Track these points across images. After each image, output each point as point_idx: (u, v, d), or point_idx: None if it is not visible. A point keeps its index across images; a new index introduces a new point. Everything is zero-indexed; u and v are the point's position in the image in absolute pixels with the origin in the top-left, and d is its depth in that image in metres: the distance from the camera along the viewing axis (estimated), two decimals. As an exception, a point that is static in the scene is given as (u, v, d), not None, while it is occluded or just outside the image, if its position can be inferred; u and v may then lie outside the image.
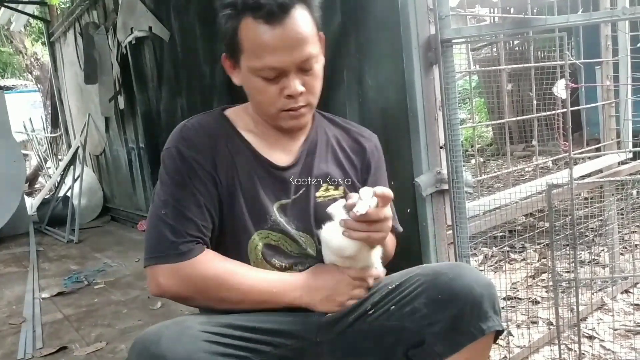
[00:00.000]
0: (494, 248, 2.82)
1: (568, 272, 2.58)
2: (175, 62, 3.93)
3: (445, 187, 1.64)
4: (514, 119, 1.86)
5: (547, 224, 1.76)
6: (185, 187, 1.05)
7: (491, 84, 5.06)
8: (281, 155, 1.16)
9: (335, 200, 1.13)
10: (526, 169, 4.19)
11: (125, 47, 4.53)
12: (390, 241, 1.26)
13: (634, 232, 2.99)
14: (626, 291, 2.32)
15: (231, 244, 1.11)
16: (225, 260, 1.06)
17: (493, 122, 4.65)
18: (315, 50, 1.07)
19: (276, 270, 1.11)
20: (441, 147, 1.65)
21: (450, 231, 1.65)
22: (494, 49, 5.70)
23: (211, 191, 1.07)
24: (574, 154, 1.69)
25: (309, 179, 1.16)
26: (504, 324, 1.29)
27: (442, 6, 1.55)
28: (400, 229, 1.32)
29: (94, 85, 5.19)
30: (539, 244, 2.65)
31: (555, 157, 2.41)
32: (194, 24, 3.51)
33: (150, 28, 4.03)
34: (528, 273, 2.56)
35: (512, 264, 2.76)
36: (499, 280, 2.04)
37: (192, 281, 1.02)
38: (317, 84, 1.11)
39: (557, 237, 1.89)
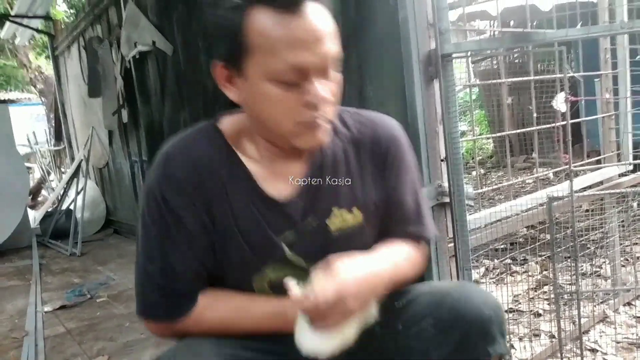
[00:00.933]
0: (495, 260, 2.82)
1: (570, 284, 2.58)
2: (178, 76, 3.97)
3: (447, 200, 1.65)
4: (514, 131, 1.88)
5: (548, 236, 1.76)
6: (172, 240, 0.93)
7: (491, 97, 5.10)
8: (284, 186, 0.98)
9: (354, 229, 1.01)
10: (527, 181, 4.19)
11: (129, 61, 4.57)
12: (407, 264, 1.04)
13: (635, 244, 2.99)
14: (628, 303, 2.31)
15: (233, 283, 0.99)
16: (224, 303, 0.97)
17: (493, 134, 4.68)
18: (339, 51, 0.91)
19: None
20: (442, 160, 1.67)
21: (452, 244, 1.66)
22: (494, 62, 5.74)
23: (201, 238, 0.95)
24: (574, 166, 1.70)
25: (318, 212, 0.99)
26: (507, 337, 1.27)
27: (442, 21, 1.57)
28: (428, 234, 1.10)
29: (98, 98, 5.23)
30: (540, 256, 2.65)
31: (555, 169, 2.42)
32: (197, 38, 3.55)
33: (153, 42, 4.07)
34: (530, 285, 2.56)
35: (513, 277, 2.76)
36: (500, 292, 2.04)
37: (188, 334, 0.96)
38: (339, 94, 0.94)
39: (559, 250, 1.90)
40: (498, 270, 2.87)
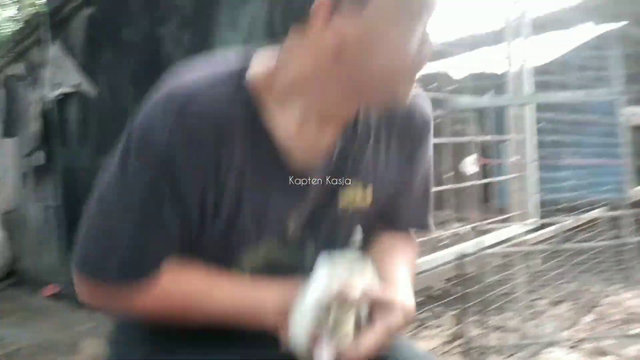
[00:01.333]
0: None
1: (481, 337, 2.66)
2: (101, 119, 3.86)
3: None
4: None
5: (463, 288, 1.83)
6: (159, 210, 0.75)
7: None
8: (310, 157, 0.81)
9: (360, 212, 0.86)
10: (442, 236, 4.36)
11: (50, 101, 4.41)
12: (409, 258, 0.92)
13: (541, 298, 3.16)
14: (535, 354, 2.41)
15: (216, 258, 0.81)
16: (194, 275, 0.80)
17: None
18: None
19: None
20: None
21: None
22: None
23: (192, 210, 0.76)
24: (484, 224, 1.80)
25: (337, 187, 0.84)
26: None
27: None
28: (432, 226, 0.98)
29: (12, 138, 4.98)
30: (455, 309, 2.73)
31: (466, 226, 2.55)
32: (122, 81, 3.49)
33: (77, 84, 3.97)
34: (443, 340, 2.61)
35: (427, 331, 2.80)
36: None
37: (131, 308, 0.79)
38: None
39: (469, 304, 1.97)
40: (413, 325, 2.92)
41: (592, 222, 3.11)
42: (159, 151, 0.73)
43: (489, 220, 2.08)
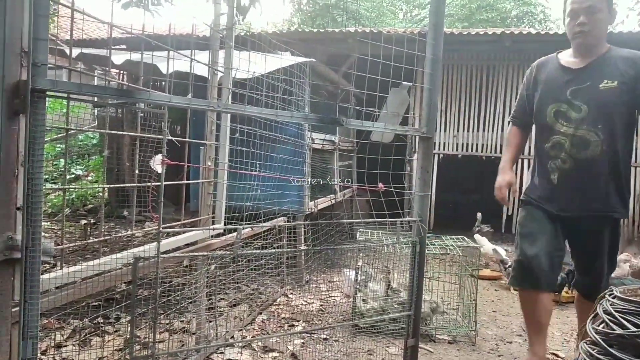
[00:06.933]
0: (85, 320, 2.62)
1: (160, 342, 2.60)
2: None
3: (18, 255, 1.41)
4: (109, 186, 1.80)
5: (145, 293, 1.72)
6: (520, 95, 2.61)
7: (112, 145, 5.00)
8: (577, 62, 2.37)
9: (614, 90, 2.26)
10: (137, 234, 4.17)
11: None
12: None
13: (221, 300, 3.30)
14: (208, 357, 2.48)
15: (537, 112, 2.46)
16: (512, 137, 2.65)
17: (84, 186, 4.50)
18: (599, 4, 2.27)
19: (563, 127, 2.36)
20: (18, 209, 1.43)
21: (17, 308, 1.41)
22: (119, 111, 5.68)
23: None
24: (174, 226, 1.74)
25: (593, 77, 2.28)
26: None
27: (39, 53, 1.40)
28: None
29: None
30: (140, 314, 2.60)
31: (148, 229, 2.46)
32: None
33: None
34: (117, 346, 2.45)
35: (102, 337, 2.60)
36: (84, 356, 1.86)
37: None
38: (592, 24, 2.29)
39: (146, 309, 1.88)
40: (87, 331, 2.67)
41: (272, 230, 3.42)
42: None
43: (176, 223, 2.05)
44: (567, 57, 2.45)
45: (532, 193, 2.51)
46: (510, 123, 2.69)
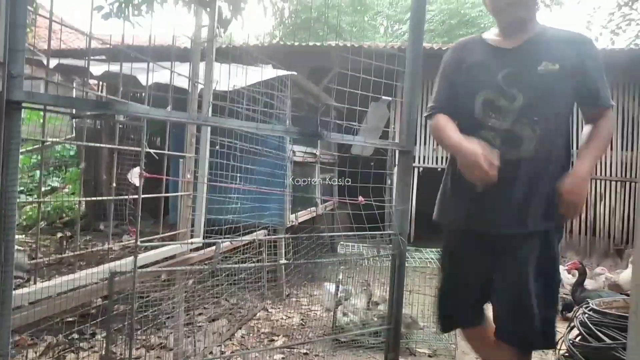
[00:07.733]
0: (60, 336, 2.55)
1: (137, 358, 2.55)
2: None
3: (-10, 270, 1.37)
4: (86, 199, 1.78)
5: (122, 307, 1.69)
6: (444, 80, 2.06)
7: (91, 157, 4.93)
8: (508, 43, 1.91)
9: (556, 75, 1.82)
10: (114, 248, 4.11)
11: None
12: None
13: (200, 314, 3.26)
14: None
15: (462, 100, 1.95)
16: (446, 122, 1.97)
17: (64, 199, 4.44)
18: None
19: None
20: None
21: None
22: (98, 122, 5.61)
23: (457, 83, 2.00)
24: (151, 239, 1.71)
25: (530, 59, 1.84)
26: None
27: (16, 64, 1.38)
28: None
29: None
30: (113, 330, 2.55)
31: (125, 243, 2.43)
32: None
33: None
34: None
35: (77, 353, 2.54)
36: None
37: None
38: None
39: (123, 324, 1.85)
40: (61, 347, 2.60)
41: (252, 244, 3.40)
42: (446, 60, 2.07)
43: (154, 237, 2.02)
44: (493, 36, 1.96)
45: (443, 216, 2.01)
46: (433, 114, 2.00)
